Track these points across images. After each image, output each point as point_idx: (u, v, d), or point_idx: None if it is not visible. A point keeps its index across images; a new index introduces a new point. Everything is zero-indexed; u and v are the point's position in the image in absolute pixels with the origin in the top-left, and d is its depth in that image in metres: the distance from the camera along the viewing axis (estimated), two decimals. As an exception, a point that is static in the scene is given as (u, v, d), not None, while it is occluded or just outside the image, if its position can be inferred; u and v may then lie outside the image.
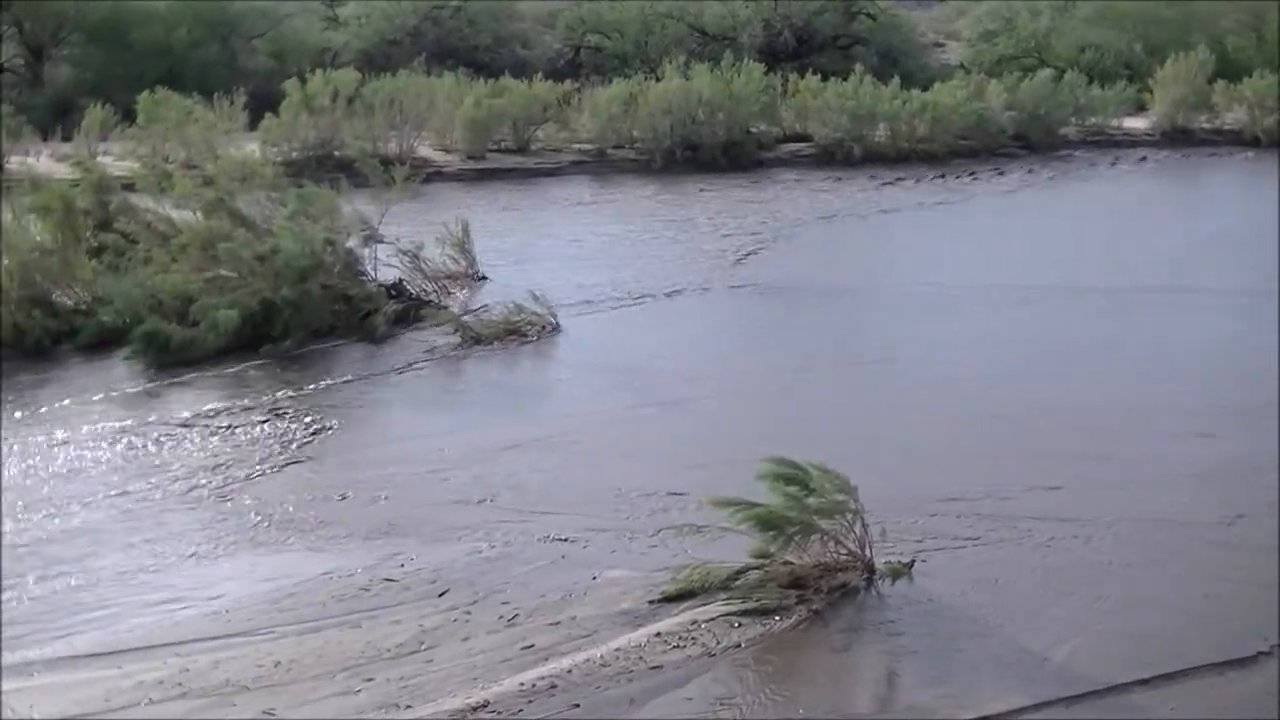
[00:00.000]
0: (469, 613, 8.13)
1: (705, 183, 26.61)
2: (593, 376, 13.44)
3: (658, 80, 30.97)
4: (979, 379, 13.17)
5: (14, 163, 28.09)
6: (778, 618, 7.96)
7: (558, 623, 7.97)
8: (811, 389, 12.93)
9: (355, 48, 42.41)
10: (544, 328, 14.68)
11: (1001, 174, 28.53)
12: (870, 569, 8.38)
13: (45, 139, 31.18)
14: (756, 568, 8.30)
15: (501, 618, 8.05)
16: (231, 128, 28.06)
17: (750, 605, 8.05)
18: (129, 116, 29.15)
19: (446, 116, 29.38)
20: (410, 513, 9.78)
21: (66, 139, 30.95)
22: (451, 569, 8.77)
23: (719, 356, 14.16)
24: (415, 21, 43.86)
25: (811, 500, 8.25)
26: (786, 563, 8.34)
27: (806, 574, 8.30)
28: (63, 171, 21.88)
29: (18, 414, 12.59)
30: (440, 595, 8.40)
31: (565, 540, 9.19)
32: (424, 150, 28.26)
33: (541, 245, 19.98)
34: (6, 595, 8.61)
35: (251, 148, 25.01)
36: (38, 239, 15.67)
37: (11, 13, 43.21)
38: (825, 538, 8.36)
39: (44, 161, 27.40)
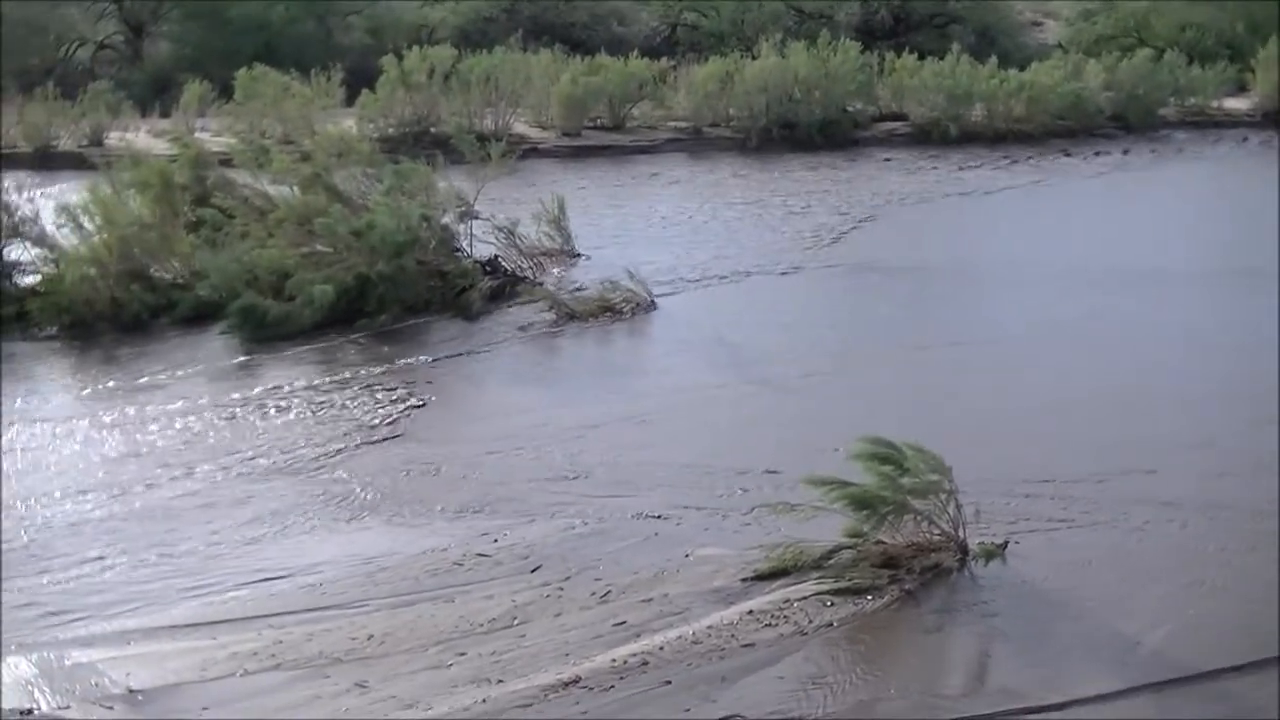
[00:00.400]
0: (561, 589, 8.14)
1: (801, 161, 26.48)
2: (687, 354, 13.41)
3: (754, 58, 30.81)
4: (1074, 360, 13.04)
5: (113, 138, 28.48)
6: (870, 597, 7.91)
7: (650, 599, 7.96)
8: (905, 368, 12.86)
9: (451, 24, 42.50)
10: (639, 305, 14.66)
11: (1098, 154, 28.18)
12: (963, 550, 8.31)
13: (144, 115, 31.57)
14: (849, 547, 8.26)
15: (594, 594, 8.05)
16: (328, 104, 28.24)
17: (843, 584, 8.01)
18: (226, 92, 29.42)
19: (542, 93, 29.41)
20: (503, 488, 9.80)
21: (165, 115, 31.30)
22: (544, 545, 8.78)
23: (813, 335, 14.09)
24: (511, -1, 43.99)
25: (905, 480, 8.19)
26: (879, 542, 8.28)
27: (899, 554, 8.25)
28: (161, 147, 22.10)
29: (111, 383, 12.75)
30: (533, 571, 8.41)
31: (658, 517, 9.18)
32: (520, 127, 28.30)
33: (637, 223, 19.96)
34: (105, 564, 8.73)
35: (348, 124, 25.15)
36: (137, 214, 15.81)
37: (112, -11, 43.73)
38: (919, 518, 8.30)
39: (142, 137, 27.76)
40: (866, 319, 14.90)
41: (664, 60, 32.58)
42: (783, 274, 16.52)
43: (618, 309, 14.57)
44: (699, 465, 10.12)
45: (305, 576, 8.46)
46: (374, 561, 8.62)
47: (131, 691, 7.18)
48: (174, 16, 43.79)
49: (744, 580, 8.16)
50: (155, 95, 33.76)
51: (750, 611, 7.77)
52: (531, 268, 15.90)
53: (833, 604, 7.84)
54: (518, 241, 16.00)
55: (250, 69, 28.33)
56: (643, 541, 8.82)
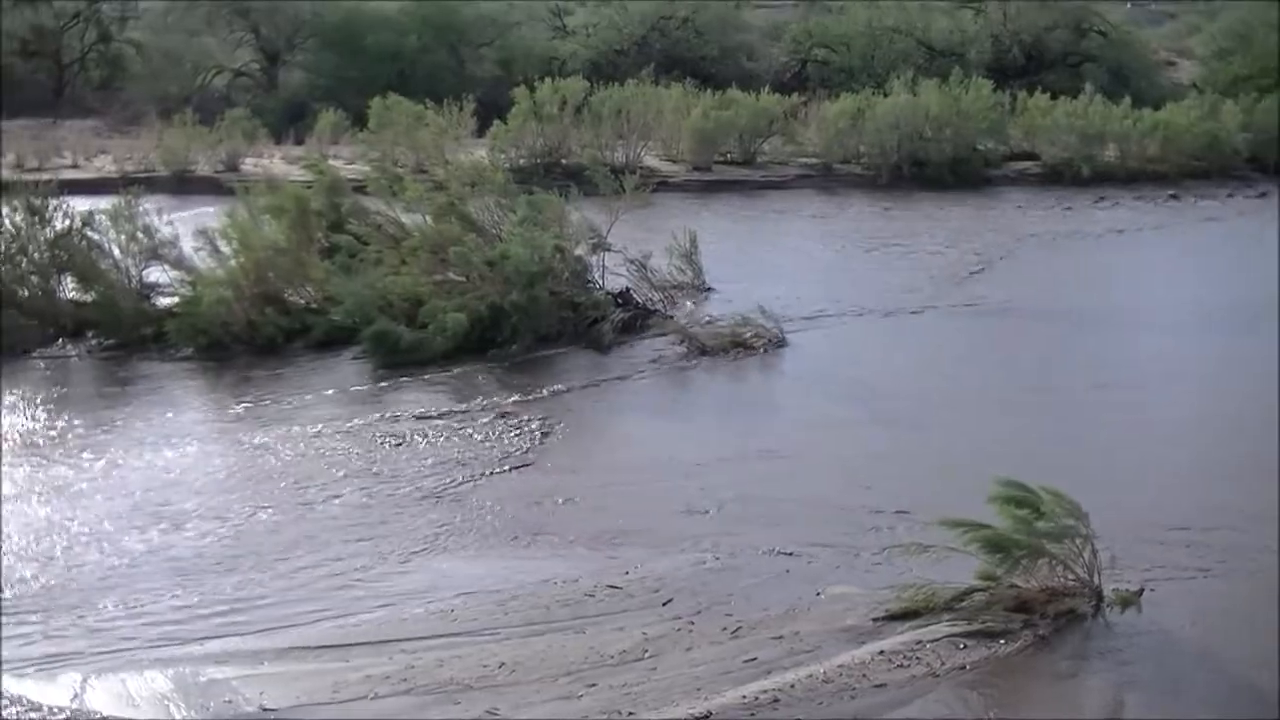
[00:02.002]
0: (692, 623, 8.14)
1: (931, 200, 26.34)
2: (818, 391, 13.39)
3: (885, 95, 30.72)
4: (1208, 405, 12.89)
5: (249, 164, 28.84)
6: (1003, 641, 7.86)
7: (781, 637, 7.95)
8: (1038, 411, 12.74)
9: (583, 57, 42.67)
10: (770, 340, 14.64)
11: (1231, 196, 27.85)
12: (1098, 596, 8.23)
13: (279, 142, 31.99)
14: (982, 590, 8.20)
15: (725, 629, 8.05)
16: (460, 133, 28.39)
17: (975, 627, 7.96)
18: (360, 120, 29.69)
19: (673, 127, 29.45)
20: (635, 520, 9.82)
21: (299, 142, 31.71)
22: (675, 578, 8.79)
23: (943, 375, 14.02)
24: (643, 32, 44.07)
25: (1041, 524, 8.13)
26: (1013, 586, 8.22)
27: (1033, 598, 8.18)
28: (296, 173, 22.37)
29: (246, 405, 12.91)
30: (664, 604, 8.42)
31: (789, 554, 9.16)
32: (650, 160, 28.36)
33: (767, 258, 19.95)
34: (239, 584, 8.85)
35: (479, 154, 25.29)
36: (272, 238, 16.01)
37: (249, 19, 44.33)
38: (1053, 562, 8.23)
39: (277, 163, 28.10)
40: (999, 360, 14.79)
41: (794, 96, 32.55)
42: (913, 313, 16.43)
43: (749, 344, 14.56)
44: (830, 502, 10.10)
45: (437, 602, 8.53)
46: (505, 589, 8.67)
47: (265, 710, 7.27)
48: (309, 46, 44.34)
49: (875, 620, 8.13)
50: (290, 122, 34.19)
51: (881, 652, 7.74)
52: (663, 301, 15.92)
53: (965, 647, 7.79)
54: (649, 274, 16.02)
55: (384, 98, 28.57)
56: (774, 578, 8.81)
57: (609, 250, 16.04)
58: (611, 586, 8.67)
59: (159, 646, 7.98)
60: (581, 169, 20.46)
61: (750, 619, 8.16)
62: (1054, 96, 31.90)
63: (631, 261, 16.01)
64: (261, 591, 8.74)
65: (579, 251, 15.80)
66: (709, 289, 16.86)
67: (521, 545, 9.44)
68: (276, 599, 8.63)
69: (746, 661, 7.66)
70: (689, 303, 16.11)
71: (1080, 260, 21.06)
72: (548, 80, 29.12)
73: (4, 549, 9.43)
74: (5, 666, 7.75)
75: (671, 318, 15.41)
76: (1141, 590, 8.28)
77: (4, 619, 8.36)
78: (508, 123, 27.69)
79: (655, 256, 16.42)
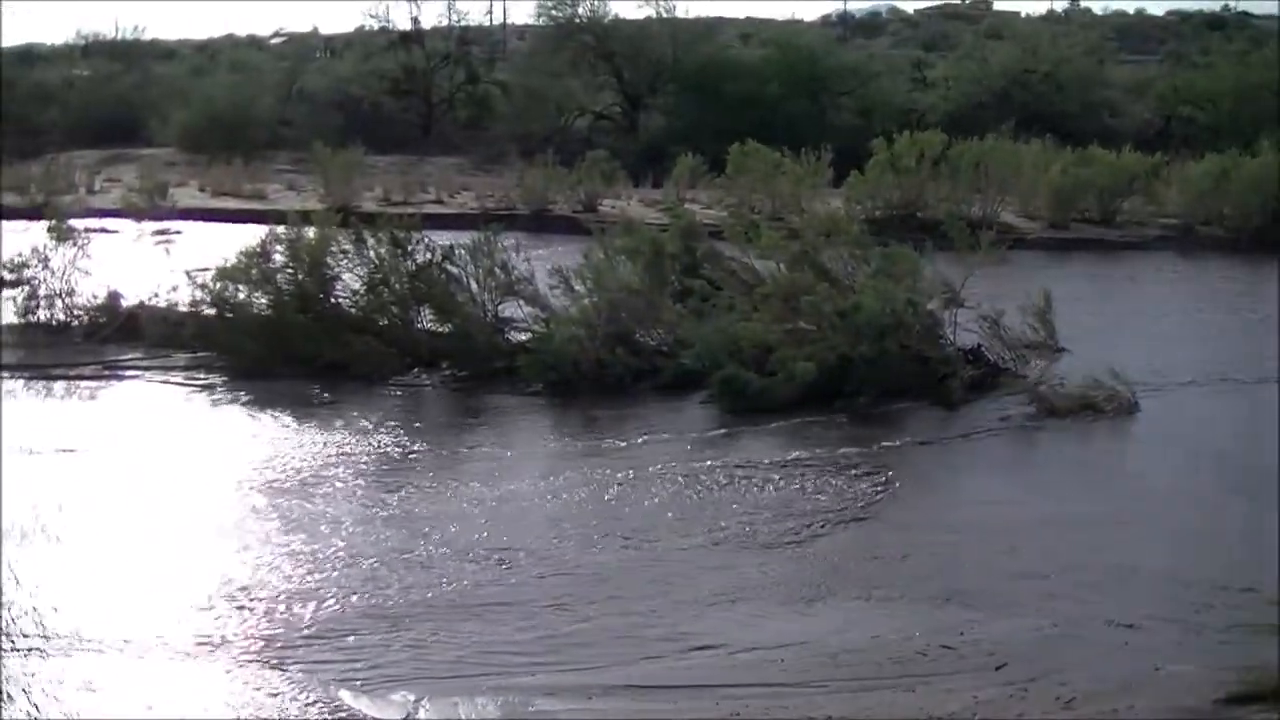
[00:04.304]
0: (1025, 689, 8.00)
1: (1297, 267, 25.46)
2: (1169, 458, 13.04)
3: (1253, 156, 29.80)
4: None
5: (606, 205, 29.39)
6: (1351, 735, 7.56)
7: (1115, 711, 7.75)
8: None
9: (942, 110, 42.41)
10: (1121, 405, 14.30)
11: None
12: None
13: (636, 184, 32.53)
14: (1333, 677, 7.91)
15: (1058, 699, 7.89)
16: (816, 183, 28.46)
17: (1325, 717, 7.67)
18: (717, 166, 30.01)
19: (1031, 183, 29.02)
20: (972, 581, 9.71)
21: (656, 185, 32.22)
22: (1010, 643, 8.64)
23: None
24: (1003, 85, 43.65)
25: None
26: (1368, 676, 7.91)
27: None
28: (652, 216, 22.74)
29: (590, 443, 13.15)
30: (998, 669, 8.29)
31: (1129, 626, 8.93)
32: (1006, 216, 27.99)
33: (1122, 320, 19.52)
34: (567, 620, 9.02)
35: (835, 203, 25.35)
36: (626, 280, 16.28)
37: (613, 63, 45.22)
38: None
39: (634, 205, 28.56)
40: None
41: (1157, 154, 31.77)
42: (1273, 383, 15.86)
43: (1099, 407, 14.25)
44: (1174, 574, 9.82)
45: (766, 650, 8.55)
46: (836, 643, 8.64)
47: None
48: (670, 90, 45.05)
49: (1215, 701, 7.86)
50: (648, 165, 34.70)
51: (1218, 735, 7.52)
52: (1014, 359, 15.68)
53: (1311, 737, 7.52)
54: (1001, 332, 15.80)
55: (742, 144, 28.80)
56: (1112, 649, 8.60)
57: (961, 306, 15.88)
58: (945, 646, 8.58)
59: (488, 675, 8.19)
60: (937, 223, 20.29)
61: (1085, 690, 7.98)
62: None
63: (984, 318, 15.82)
64: (590, 627, 8.89)
65: (931, 306, 15.68)
66: (1061, 349, 16.52)
67: (855, 599, 9.41)
68: (605, 636, 8.77)
69: (1078, 734, 7.52)
70: (1040, 362, 15.80)
71: None
72: (906, 132, 28.99)
73: (339, 565, 9.79)
74: (339, 680, 8.07)
75: (1022, 377, 15.17)
76: None
77: (342, 634, 8.71)
78: (865, 173, 27.63)
79: (1008, 314, 16.19)
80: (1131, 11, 70.35)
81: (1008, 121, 35.97)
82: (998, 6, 76.90)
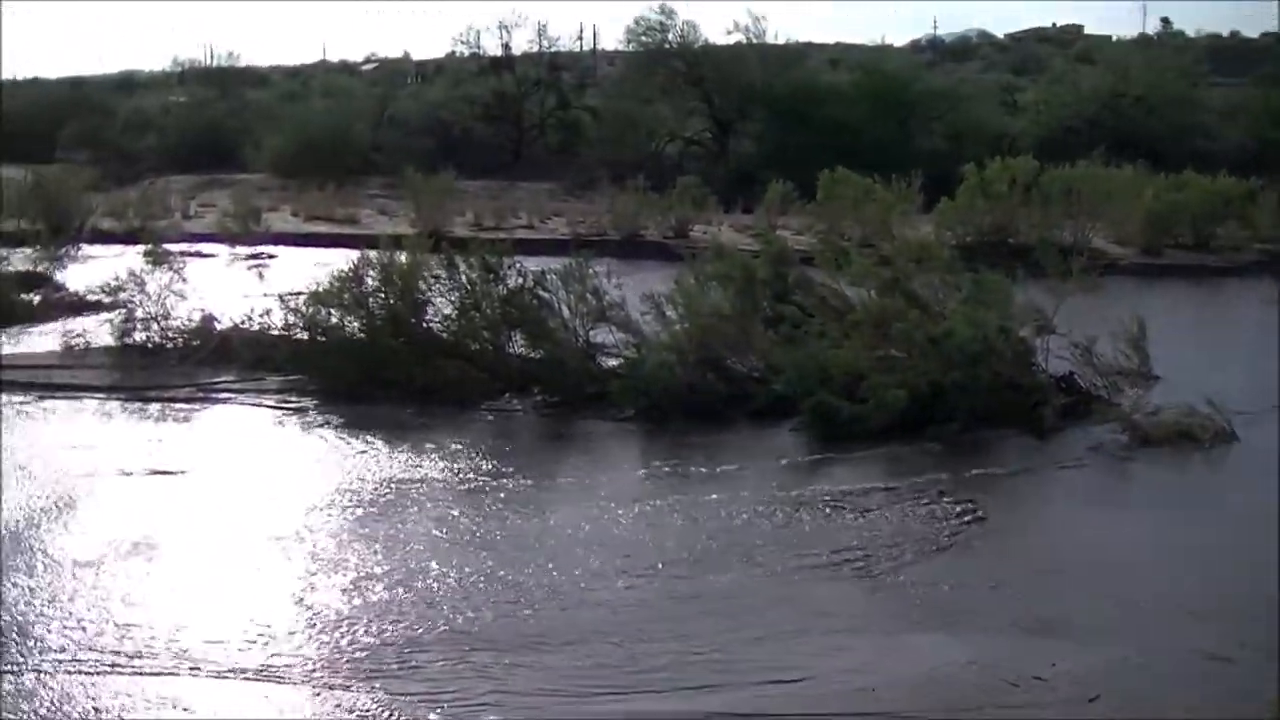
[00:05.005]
0: (1117, 722, 7.95)
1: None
2: (1266, 488, 12.84)
3: (1350, 178, 29.48)
4: None
5: (697, 231, 29.41)
6: None
7: (1208, 744, 7.69)
8: None
9: (1033, 135, 42.13)
10: (1218, 434, 14.15)
11: None
12: None
13: (727, 210, 32.56)
14: None
15: (1151, 731, 7.83)
16: (906, 208, 28.36)
17: None
18: (807, 191, 29.97)
19: (1123, 208, 28.78)
20: (1063, 611, 9.64)
21: (747, 210, 32.25)
22: (1103, 674, 8.57)
23: None
24: (1094, 110, 43.34)
25: None
26: None
27: None
28: (743, 242, 22.72)
29: (679, 468, 13.15)
30: (1090, 700, 8.23)
31: (1225, 659, 8.83)
32: (1098, 242, 27.77)
33: (1217, 347, 19.37)
34: (666, 641, 9.05)
35: (925, 229, 25.26)
36: (717, 305, 16.28)
37: (702, 88, 45.28)
38: None
39: (725, 231, 28.54)
40: None
41: (1251, 178, 31.43)
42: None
43: (1194, 435, 14.10)
44: (1272, 605, 9.67)
45: (859, 677, 8.53)
46: (925, 672, 8.61)
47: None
48: (759, 116, 45.00)
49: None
50: (738, 191, 34.74)
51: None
52: (1106, 387, 15.55)
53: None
54: (1094, 359, 15.68)
55: (832, 170, 28.75)
56: (1205, 682, 8.53)
57: (1053, 332, 15.77)
58: (1037, 678, 8.51)
59: (573, 700, 8.27)
60: (1028, 249, 20.21)
61: (1178, 722, 7.92)
62: None
63: (1076, 345, 15.70)
64: (675, 656, 8.89)
65: (1023, 333, 15.59)
66: (1155, 377, 16.37)
67: (944, 628, 9.35)
68: (704, 660, 8.77)
69: (1172, 766, 7.45)
70: (1133, 390, 15.66)
71: None
72: (997, 157, 28.84)
73: (426, 588, 9.84)
74: (425, 701, 8.15)
75: (1115, 405, 15.04)
76: None
77: (428, 658, 8.78)
78: (955, 199, 27.51)
79: (1100, 341, 16.05)
80: (1225, 34, 69.62)
81: (1099, 146, 35.66)
82: (1089, 30, 76.49)
